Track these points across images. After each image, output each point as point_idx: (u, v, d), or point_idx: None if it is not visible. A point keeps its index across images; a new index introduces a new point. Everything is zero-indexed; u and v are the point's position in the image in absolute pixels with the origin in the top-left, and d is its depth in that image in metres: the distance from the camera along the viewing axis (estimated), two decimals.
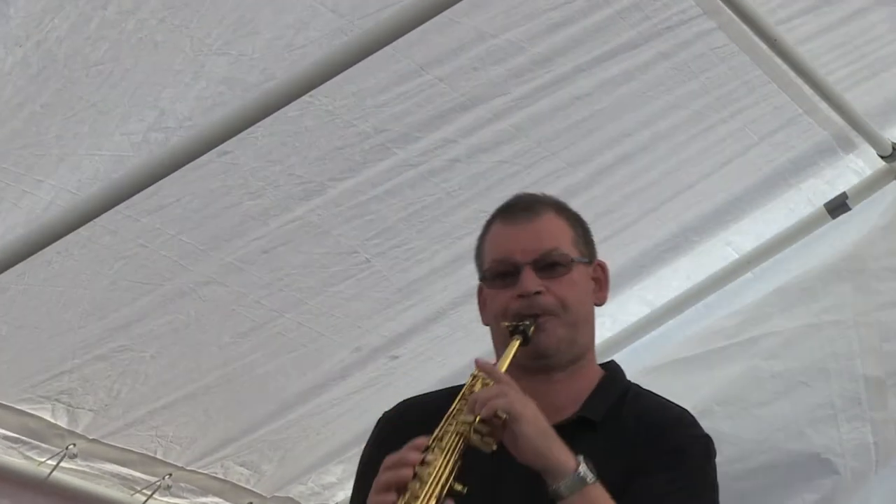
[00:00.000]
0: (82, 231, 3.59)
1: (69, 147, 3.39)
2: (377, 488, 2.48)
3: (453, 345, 4.49)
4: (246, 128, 3.36)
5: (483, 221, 4.16)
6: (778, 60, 4.16)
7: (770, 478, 4.67)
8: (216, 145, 3.40)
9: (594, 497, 2.45)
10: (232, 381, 4.28)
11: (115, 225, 3.63)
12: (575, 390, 2.70)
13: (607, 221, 4.35)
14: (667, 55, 3.97)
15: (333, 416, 4.56)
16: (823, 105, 4.42)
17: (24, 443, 4.14)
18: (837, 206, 4.82)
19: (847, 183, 4.82)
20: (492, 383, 2.54)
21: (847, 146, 4.68)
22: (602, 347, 4.60)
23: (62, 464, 4.18)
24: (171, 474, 4.41)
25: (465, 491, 2.45)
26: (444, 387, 2.88)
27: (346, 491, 4.37)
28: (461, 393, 2.59)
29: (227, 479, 4.59)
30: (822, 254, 4.79)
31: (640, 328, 4.94)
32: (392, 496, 2.44)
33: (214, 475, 4.52)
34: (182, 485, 4.46)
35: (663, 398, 2.79)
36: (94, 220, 3.52)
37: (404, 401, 2.87)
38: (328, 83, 3.35)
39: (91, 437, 4.22)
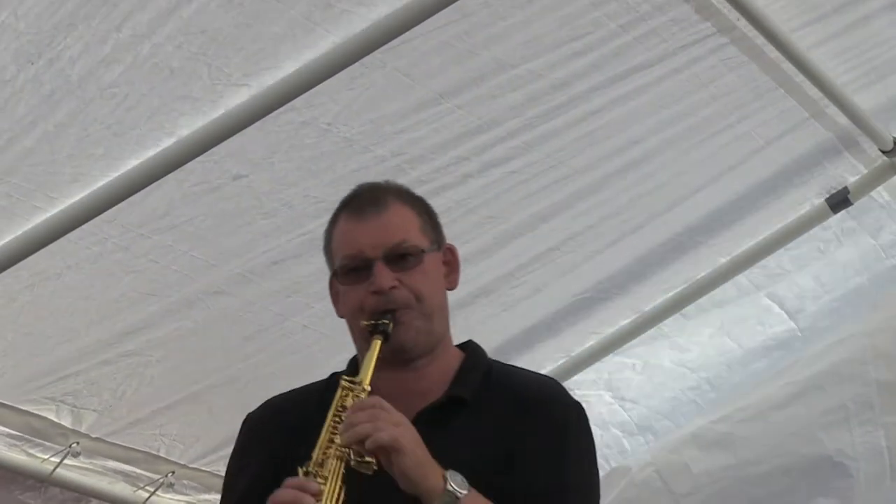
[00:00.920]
0: (94, 247, 3.58)
1: (83, 168, 3.37)
2: None
3: None
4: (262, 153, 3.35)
5: (493, 227, 4.23)
6: (787, 65, 4.13)
7: (784, 481, 4.71)
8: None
9: None
10: (235, 381, 4.28)
11: (128, 242, 3.62)
12: (439, 373, 2.70)
13: (614, 224, 4.38)
14: (678, 70, 3.96)
15: None
16: (830, 108, 4.41)
17: (28, 441, 4.15)
18: (839, 202, 4.82)
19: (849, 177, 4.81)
20: (364, 395, 2.54)
21: (849, 143, 4.68)
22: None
23: (65, 461, 4.18)
24: (174, 472, 4.42)
25: None
26: None
27: None
28: (333, 406, 2.58)
29: None
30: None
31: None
32: None
33: (217, 472, 4.51)
34: (185, 482, 4.47)
35: (528, 371, 2.81)
36: (106, 237, 3.50)
37: (268, 401, 2.82)
38: (346, 110, 3.32)
39: (94, 436, 4.22)
